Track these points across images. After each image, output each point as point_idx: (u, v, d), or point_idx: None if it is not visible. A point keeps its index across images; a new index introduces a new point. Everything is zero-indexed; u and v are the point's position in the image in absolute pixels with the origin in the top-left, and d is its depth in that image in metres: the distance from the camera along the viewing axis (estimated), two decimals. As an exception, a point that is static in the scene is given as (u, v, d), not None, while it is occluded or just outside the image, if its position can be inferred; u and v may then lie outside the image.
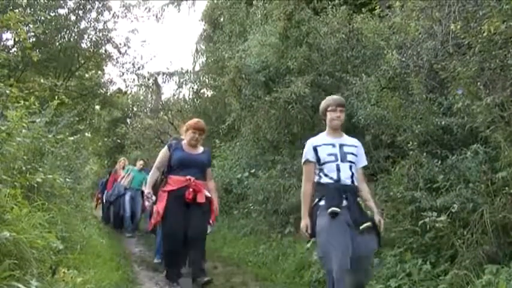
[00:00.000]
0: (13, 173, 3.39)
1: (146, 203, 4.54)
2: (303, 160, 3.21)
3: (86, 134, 13.42)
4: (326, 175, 3.06)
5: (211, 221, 4.27)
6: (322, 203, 2.98)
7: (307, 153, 3.19)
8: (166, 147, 4.32)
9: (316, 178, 3.10)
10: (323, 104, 3.37)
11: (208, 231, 4.26)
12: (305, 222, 3.05)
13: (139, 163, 8.99)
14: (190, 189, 4.01)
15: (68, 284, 2.86)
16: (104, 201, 10.51)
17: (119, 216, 9.18)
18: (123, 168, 9.31)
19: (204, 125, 4.37)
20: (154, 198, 4.29)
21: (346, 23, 6.50)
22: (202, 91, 12.15)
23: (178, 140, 4.39)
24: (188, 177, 4.03)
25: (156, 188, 4.58)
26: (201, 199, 4.05)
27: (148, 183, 4.26)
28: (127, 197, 8.72)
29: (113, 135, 15.34)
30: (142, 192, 7.62)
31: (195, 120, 4.38)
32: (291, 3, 6.78)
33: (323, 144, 3.21)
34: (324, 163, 3.09)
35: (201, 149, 4.31)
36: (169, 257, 4.19)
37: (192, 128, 4.22)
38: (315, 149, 3.18)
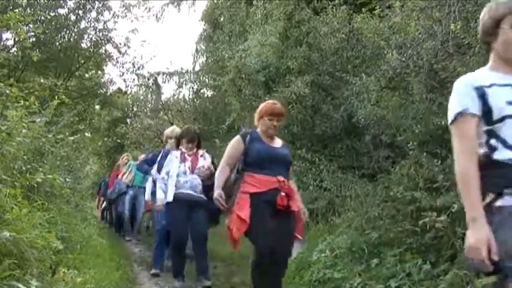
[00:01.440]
0: (13, 173, 3.39)
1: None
2: (452, 113, 1.78)
3: (86, 134, 13.41)
4: (506, 143, 1.61)
5: (299, 236, 3.33)
6: (507, 201, 1.55)
7: (463, 97, 1.72)
8: (239, 137, 3.38)
9: (484, 150, 1.65)
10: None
11: (294, 253, 3.38)
12: (480, 235, 1.51)
13: (141, 157, 8.25)
14: (283, 193, 3.13)
15: (68, 284, 2.86)
16: (103, 200, 10.19)
17: (118, 216, 8.75)
18: (126, 164, 8.71)
19: (282, 107, 3.46)
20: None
21: (346, 23, 6.51)
22: (202, 91, 12.15)
23: (253, 129, 3.48)
24: (280, 177, 3.18)
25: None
26: (295, 207, 3.23)
27: (218, 183, 3.28)
28: (127, 197, 8.20)
29: (113, 135, 15.34)
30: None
31: (270, 102, 3.48)
32: (291, 3, 6.78)
33: (495, 84, 1.67)
34: (501, 120, 1.62)
35: (279, 141, 3.46)
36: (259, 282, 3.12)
37: (268, 113, 3.32)
38: (481, 92, 1.67)
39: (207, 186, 4.26)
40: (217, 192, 3.24)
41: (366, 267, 3.91)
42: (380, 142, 5.19)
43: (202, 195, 4.40)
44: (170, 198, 4.37)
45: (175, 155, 4.57)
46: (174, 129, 5.41)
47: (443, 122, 4.00)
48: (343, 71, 6.06)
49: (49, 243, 2.79)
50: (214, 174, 3.78)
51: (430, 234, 3.61)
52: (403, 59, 4.79)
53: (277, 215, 3.11)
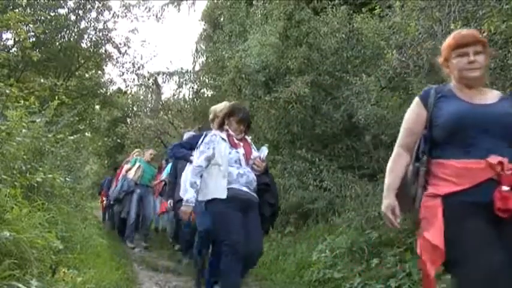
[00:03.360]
0: (13, 172, 3.39)
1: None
2: None
3: (86, 133, 13.41)
4: None
5: None
6: None
7: None
8: (418, 101, 2.07)
9: None
10: None
11: None
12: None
13: (149, 153, 7.52)
14: (504, 188, 1.77)
15: (68, 284, 2.86)
16: (107, 200, 9.18)
17: (122, 219, 7.57)
18: None
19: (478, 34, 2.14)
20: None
21: (346, 23, 6.50)
22: (202, 91, 12.15)
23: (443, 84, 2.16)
24: (495, 158, 1.81)
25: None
26: None
27: (392, 182, 2.05)
28: (135, 196, 7.16)
29: (113, 135, 15.34)
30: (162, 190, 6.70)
31: (456, 32, 2.20)
32: (291, 3, 6.78)
33: None
34: None
35: (493, 93, 2.06)
36: None
37: (459, 45, 2.08)
38: None
39: (264, 184, 3.46)
40: (387, 202, 2.01)
41: (366, 267, 3.91)
42: (380, 142, 5.19)
43: (256, 195, 3.40)
44: (222, 194, 3.22)
45: (220, 136, 3.40)
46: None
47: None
48: (343, 71, 6.06)
49: (49, 243, 2.79)
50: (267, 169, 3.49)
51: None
52: (403, 59, 4.78)
53: (499, 225, 1.78)
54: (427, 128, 2.03)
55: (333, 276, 3.99)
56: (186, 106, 12.44)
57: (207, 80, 11.28)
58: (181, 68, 12.00)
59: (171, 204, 5.40)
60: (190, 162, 3.81)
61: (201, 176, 3.31)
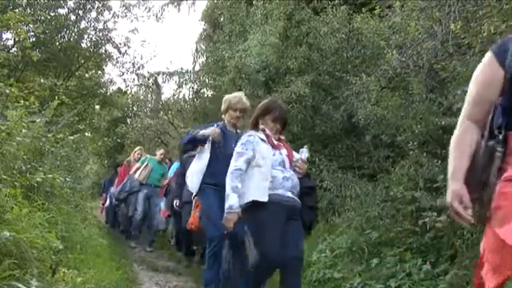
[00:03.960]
0: (13, 172, 3.39)
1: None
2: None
3: (86, 133, 13.40)
4: None
5: None
6: None
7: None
8: (491, 56, 1.55)
9: None
10: None
11: None
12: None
13: (159, 153, 7.21)
14: None
15: (68, 284, 2.86)
16: (109, 201, 9.13)
17: (129, 218, 7.32)
18: (138, 160, 7.43)
19: None
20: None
21: (346, 23, 6.50)
22: (202, 91, 12.14)
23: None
24: None
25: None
26: None
27: (458, 166, 1.65)
28: (140, 196, 6.86)
29: (113, 135, 15.32)
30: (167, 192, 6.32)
31: None
32: (291, 3, 6.79)
33: None
34: None
35: None
36: None
37: None
38: None
39: (308, 188, 3.19)
40: (454, 189, 1.61)
41: (366, 267, 3.91)
42: (380, 142, 5.19)
43: (299, 200, 3.11)
44: (263, 196, 2.90)
45: (258, 136, 3.11)
46: (241, 98, 3.85)
47: (443, 122, 4.01)
48: (343, 71, 6.06)
49: (49, 243, 2.79)
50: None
51: (430, 234, 3.62)
52: (403, 59, 4.79)
53: None
54: (504, 93, 1.51)
55: (333, 276, 3.99)
56: (186, 106, 12.43)
57: (207, 80, 11.27)
58: (181, 68, 11.97)
59: (178, 205, 5.18)
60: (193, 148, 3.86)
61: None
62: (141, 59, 13.44)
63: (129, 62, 13.33)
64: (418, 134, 4.17)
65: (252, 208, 2.91)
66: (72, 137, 6.06)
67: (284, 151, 3.11)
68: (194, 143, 3.80)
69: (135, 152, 7.89)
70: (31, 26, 9.10)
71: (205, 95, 12.02)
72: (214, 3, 12.38)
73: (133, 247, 6.79)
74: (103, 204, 10.43)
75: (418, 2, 4.61)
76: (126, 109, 15.48)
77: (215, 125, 3.82)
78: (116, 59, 13.28)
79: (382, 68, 5.10)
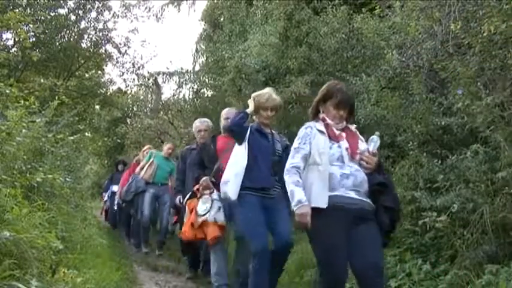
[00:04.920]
0: (13, 173, 3.39)
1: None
2: None
3: (86, 133, 13.40)
4: None
5: None
6: None
7: None
8: None
9: None
10: None
11: None
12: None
13: (167, 147, 6.62)
14: None
15: (68, 284, 2.86)
16: (109, 201, 8.89)
17: (136, 222, 6.82)
18: None
19: None
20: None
21: (346, 23, 6.50)
22: (202, 91, 12.13)
23: None
24: None
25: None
26: None
27: None
28: (147, 196, 6.29)
29: (113, 135, 15.32)
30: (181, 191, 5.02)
31: None
32: (291, 3, 6.78)
33: None
34: None
35: None
36: None
37: None
38: None
39: (378, 185, 2.61)
40: None
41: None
42: (380, 142, 5.19)
43: (369, 201, 2.59)
44: (322, 202, 2.46)
45: (316, 128, 2.68)
46: (270, 95, 3.57)
47: (443, 122, 4.01)
48: (343, 71, 6.05)
49: (49, 243, 2.78)
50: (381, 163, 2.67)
51: (430, 234, 3.61)
52: (403, 59, 4.79)
53: None
54: None
55: (333, 276, 3.98)
56: (186, 106, 12.43)
57: (207, 80, 11.26)
58: (181, 68, 11.95)
59: (181, 201, 4.79)
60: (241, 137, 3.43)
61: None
62: (141, 59, 13.47)
63: (129, 62, 13.36)
64: (418, 134, 4.17)
65: (313, 214, 2.46)
66: (72, 137, 6.06)
67: (344, 143, 2.61)
68: (241, 128, 3.48)
69: (144, 150, 7.27)
70: (31, 26, 9.10)
71: (205, 95, 12.02)
72: (214, 3, 12.39)
73: (146, 252, 6.26)
74: (104, 203, 10.23)
75: (418, 2, 4.60)
76: (126, 109, 15.47)
77: (249, 125, 3.56)
78: (116, 59, 13.30)
79: (382, 68, 5.09)
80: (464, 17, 4.03)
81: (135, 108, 15.24)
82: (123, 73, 13.57)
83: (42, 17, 10.65)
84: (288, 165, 2.64)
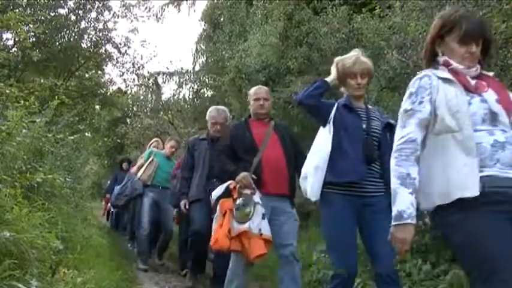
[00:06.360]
0: (13, 173, 3.39)
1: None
2: None
3: (86, 134, 13.41)
4: None
5: None
6: None
7: None
8: None
9: None
10: None
11: None
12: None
13: (169, 145, 5.52)
14: None
15: (68, 284, 2.86)
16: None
17: (133, 233, 6.12)
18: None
19: None
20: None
21: (346, 23, 6.50)
22: (202, 91, 12.16)
23: None
24: None
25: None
26: None
27: None
28: (146, 202, 5.30)
29: (113, 135, 15.34)
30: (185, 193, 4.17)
31: None
32: (291, 3, 6.79)
33: None
34: None
35: None
36: None
37: None
38: None
39: None
40: None
41: (365, 267, 3.90)
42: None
43: None
44: (472, 188, 1.56)
45: (437, 76, 1.79)
46: (358, 58, 2.90)
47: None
48: (343, 71, 6.05)
49: (49, 243, 2.78)
50: None
51: (430, 234, 3.61)
52: (403, 59, 4.79)
53: None
54: None
55: (333, 276, 3.98)
56: (186, 106, 12.45)
57: (207, 80, 11.29)
58: (181, 68, 12.02)
59: (186, 206, 4.09)
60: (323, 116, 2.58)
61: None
62: (141, 59, 13.46)
63: (129, 62, 13.35)
64: (418, 134, 4.17)
65: (453, 212, 1.60)
66: (72, 137, 6.06)
67: (491, 94, 1.69)
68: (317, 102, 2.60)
69: (151, 144, 6.15)
70: (31, 26, 9.09)
71: (205, 95, 12.05)
72: (214, 3, 12.40)
73: (144, 269, 5.11)
74: (106, 203, 9.88)
75: (418, 2, 4.61)
76: (126, 109, 15.49)
77: (334, 102, 2.71)
78: (116, 59, 13.29)
79: (382, 68, 5.09)
80: (464, 17, 4.03)
81: (135, 108, 15.25)
82: (123, 73, 13.58)
83: (42, 17, 10.64)
84: (396, 141, 1.76)
